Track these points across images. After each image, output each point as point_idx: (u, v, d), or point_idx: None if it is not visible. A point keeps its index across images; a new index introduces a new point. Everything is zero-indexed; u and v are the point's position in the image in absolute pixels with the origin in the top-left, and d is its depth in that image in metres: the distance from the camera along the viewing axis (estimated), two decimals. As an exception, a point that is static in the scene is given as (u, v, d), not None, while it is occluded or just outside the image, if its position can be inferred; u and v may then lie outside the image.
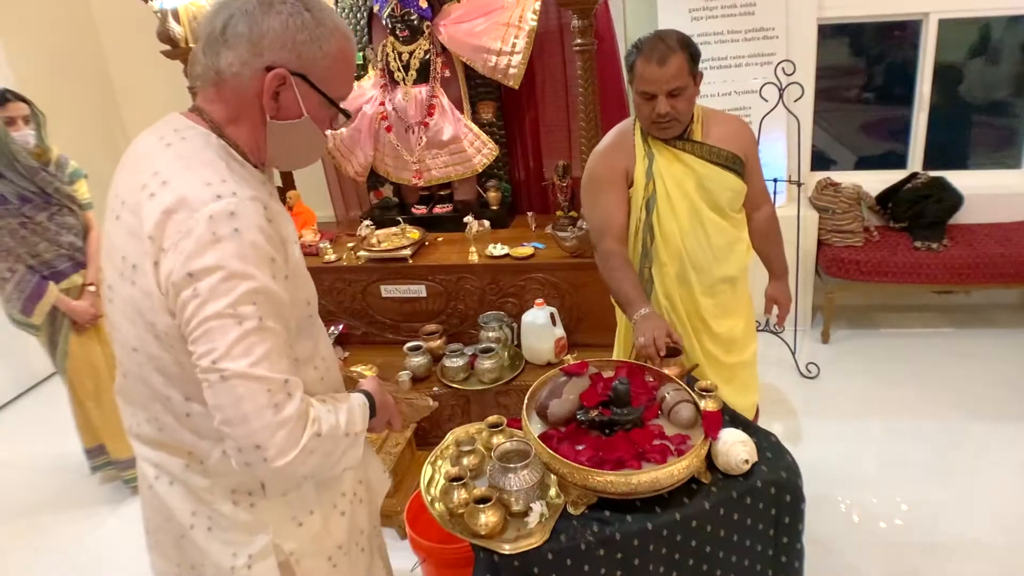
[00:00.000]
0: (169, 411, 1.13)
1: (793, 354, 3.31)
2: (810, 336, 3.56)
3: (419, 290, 3.08)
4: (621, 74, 3.03)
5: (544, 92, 3.27)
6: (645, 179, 1.89)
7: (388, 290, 3.12)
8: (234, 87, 1.08)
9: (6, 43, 3.76)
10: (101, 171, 2.47)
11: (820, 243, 3.46)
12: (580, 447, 1.49)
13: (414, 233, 3.18)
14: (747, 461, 1.43)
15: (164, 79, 3.49)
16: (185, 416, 1.11)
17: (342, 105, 1.16)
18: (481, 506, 1.39)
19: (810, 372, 3.22)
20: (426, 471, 1.60)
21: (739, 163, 1.89)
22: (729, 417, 1.65)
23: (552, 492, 1.48)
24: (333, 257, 3.16)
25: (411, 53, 3.17)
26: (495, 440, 1.60)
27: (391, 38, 3.18)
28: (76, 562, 2.65)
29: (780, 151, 3.42)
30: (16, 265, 2.62)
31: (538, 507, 1.42)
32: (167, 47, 3.00)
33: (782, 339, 3.41)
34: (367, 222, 3.26)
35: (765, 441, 1.55)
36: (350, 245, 3.23)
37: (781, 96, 3.09)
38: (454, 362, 2.78)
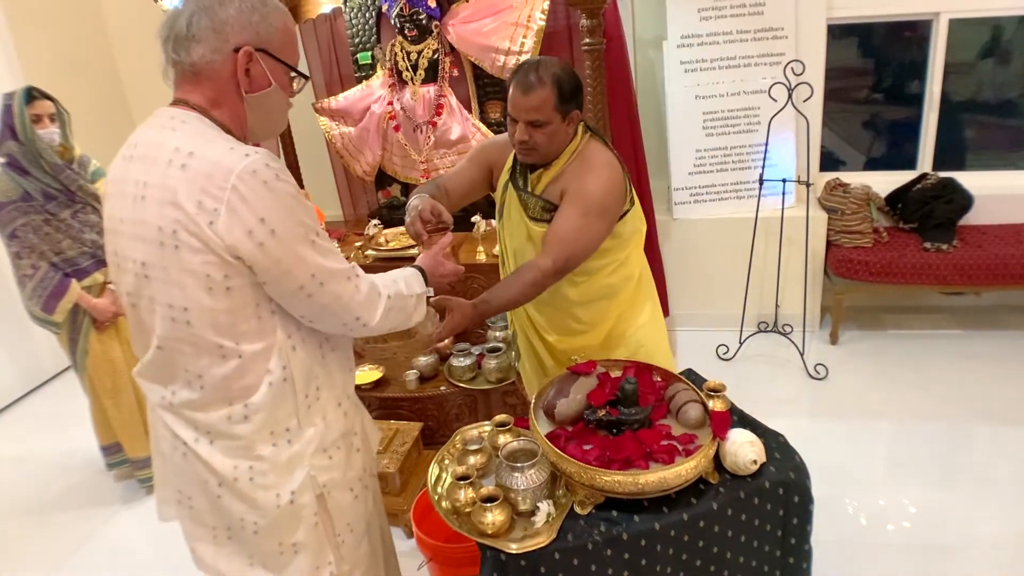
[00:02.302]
0: (219, 361, 1.23)
1: (801, 355, 3.30)
2: (819, 337, 3.54)
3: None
4: (629, 74, 3.03)
5: (552, 92, 3.27)
6: (501, 189, 1.94)
7: (396, 289, 3.13)
8: (210, 74, 1.22)
9: (17, 42, 3.78)
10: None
11: (829, 244, 3.45)
12: (587, 447, 1.50)
13: (422, 232, 3.17)
14: (755, 461, 1.43)
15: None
16: (238, 358, 1.23)
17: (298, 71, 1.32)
18: (488, 505, 1.39)
19: (818, 373, 3.21)
20: (433, 470, 1.61)
21: (551, 212, 1.78)
22: (738, 417, 1.65)
23: (559, 492, 1.48)
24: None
25: (419, 53, 3.18)
26: (502, 439, 1.60)
27: (399, 38, 3.19)
28: (87, 558, 2.66)
29: (789, 151, 3.41)
30: (39, 262, 2.64)
31: (545, 506, 1.42)
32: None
33: (791, 340, 3.41)
34: (375, 221, 3.27)
35: (774, 441, 1.55)
36: (358, 244, 3.24)
37: (790, 96, 3.08)
38: (461, 361, 2.78)
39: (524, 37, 2.98)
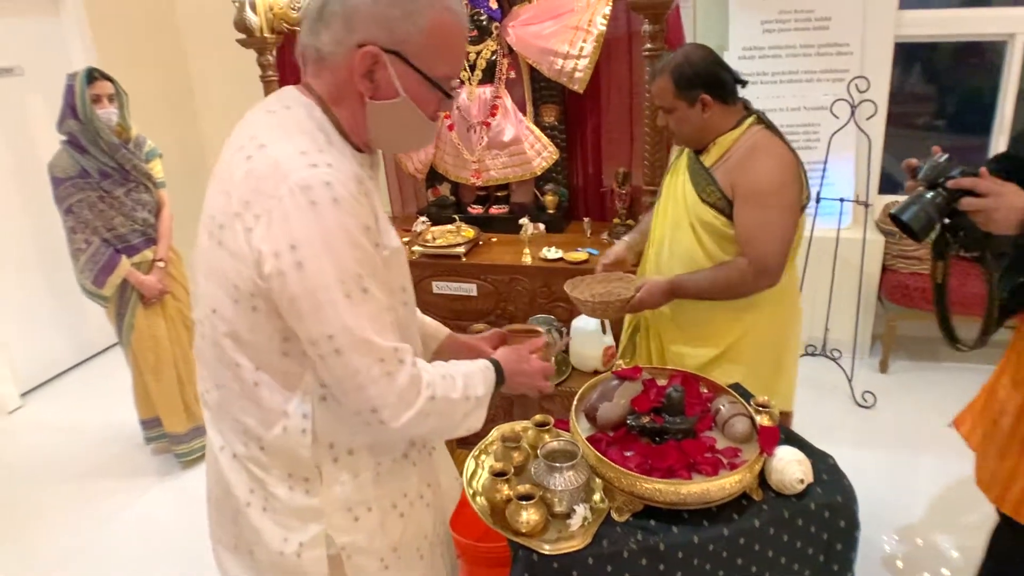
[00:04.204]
0: (237, 379, 1.11)
1: (849, 381, 3.20)
2: (868, 364, 3.44)
3: (470, 289, 3.08)
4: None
5: (609, 99, 3.25)
6: (664, 178, 2.00)
7: (439, 286, 3.13)
8: (332, 67, 1.06)
9: (92, 24, 3.92)
10: (170, 153, 2.56)
11: (885, 268, 3.35)
12: (629, 453, 1.47)
13: (469, 232, 3.18)
14: (802, 480, 1.38)
15: (239, 69, 3.60)
16: (253, 386, 1.10)
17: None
18: (524, 503, 1.37)
19: (866, 401, 3.11)
20: (469, 464, 1.59)
21: (722, 201, 1.81)
22: (785, 436, 1.60)
23: (597, 496, 1.45)
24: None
25: (478, 53, 3.19)
26: (541, 439, 1.58)
27: (459, 37, 3.20)
28: (120, 528, 2.72)
29: (848, 171, 3.32)
30: (92, 237, 2.73)
31: (581, 510, 1.39)
32: (242, 36, 3.08)
33: (839, 365, 3.31)
34: (423, 218, 3.28)
35: (822, 462, 1.50)
36: (405, 240, 3.26)
37: (853, 113, 3.00)
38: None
39: (584, 42, 2.96)
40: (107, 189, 2.73)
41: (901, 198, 3.40)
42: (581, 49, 2.97)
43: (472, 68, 3.21)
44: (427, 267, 3.12)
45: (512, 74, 3.20)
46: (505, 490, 1.45)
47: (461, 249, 3.07)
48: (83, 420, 3.49)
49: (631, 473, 1.34)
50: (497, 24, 3.12)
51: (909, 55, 3.51)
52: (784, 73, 3.26)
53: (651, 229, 2.04)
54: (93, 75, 2.65)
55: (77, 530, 2.74)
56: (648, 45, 2.53)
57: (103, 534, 2.70)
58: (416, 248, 3.13)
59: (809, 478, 1.40)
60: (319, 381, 1.09)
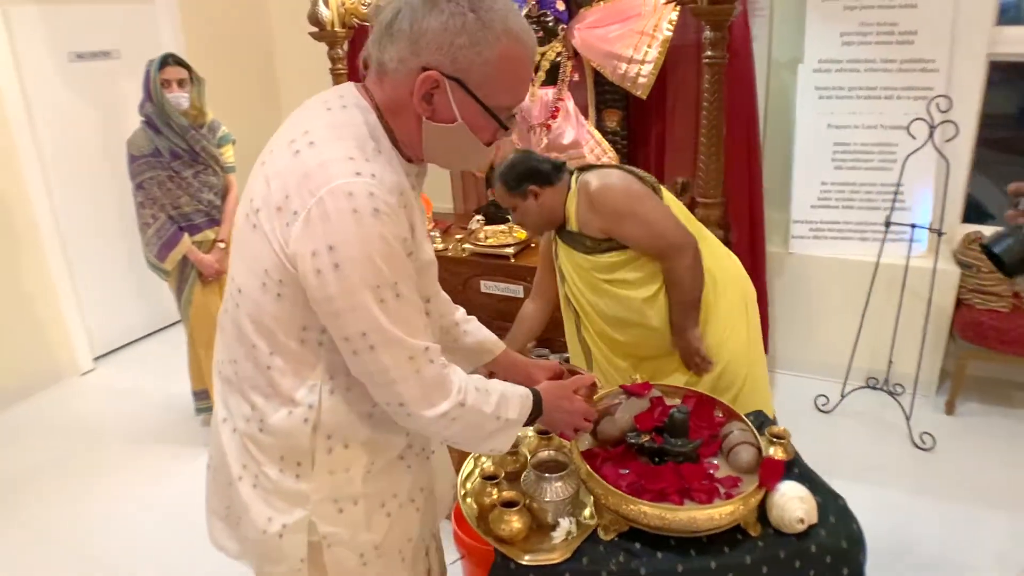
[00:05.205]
0: (251, 359, 1.14)
1: (907, 419, 3.00)
2: (931, 404, 3.20)
3: (516, 290, 3.07)
4: (754, 96, 2.88)
5: (674, 107, 3.17)
6: (557, 258, 2.17)
7: (487, 286, 3.14)
8: (393, 82, 1.07)
9: (183, 10, 4.13)
10: (249, 139, 2.67)
11: (959, 302, 3.11)
12: (624, 471, 1.42)
13: (521, 233, 3.17)
14: (803, 520, 1.30)
15: (321, 61, 3.69)
16: (266, 368, 1.13)
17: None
18: (507, 509, 1.35)
19: (924, 443, 2.90)
20: (467, 464, 1.59)
21: (606, 242, 1.98)
22: (799, 471, 1.51)
23: (587, 512, 1.42)
24: (440, 246, 3.22)
25: (543, 55, 3.17)
26: (541, 447, 1.56)
27: (525, 38, 3.20)
28: (164, 492, 2.86)
29: (925, 196, 3.11)
30: (159, 213, 2.89)
31: (566, 523, 1.36)
32: (315, 29, 3.18)
33: (897, 401, 3.11)
34: (478, 217, 3.30)
35: (832, 503, 1.41)
36: (458, 236, 3.28)
37: (932, 134, 2.80)
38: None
39: (648, 47, 2.90)
40: (176, 169, 2.88)
41: (985, 228, 3.18)
42: (646, 54, 2.91)
43: (536, 69, 3.20)
44: (476, 265, 3.13)
45: (576, 77, 3.17)
46: (494, 494, 1.44)
47: (510, 250, 3.06)
48: (147, 387, 3.69)
49: (617, 492, 1.30)
50: (564, 26, 3.10)
51: (1013, 74, 3.26)
52: (861, 88, 3.08)
53: (573, 311, 2.20)
54: (167, 61, 2.80)
55: (129, 488, 2.90)
56: (709, 52, 2.46)
57: (150, 495, 2.85)
58: (467, 246, 3.15)
59: (812, 519, 1.32)
60: (329, 374, 1.12)
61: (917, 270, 2.98)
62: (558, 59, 3.14)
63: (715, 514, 1.26)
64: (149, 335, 4.30)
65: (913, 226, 2.93)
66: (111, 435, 3.31)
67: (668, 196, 2.07)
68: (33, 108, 3.53)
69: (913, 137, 2.85)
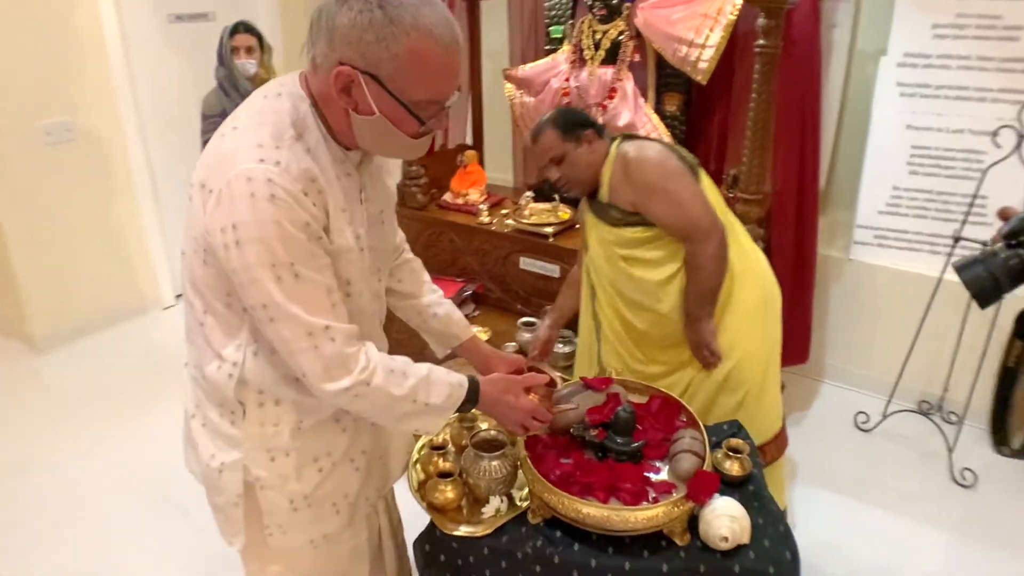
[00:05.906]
0: (192, 314, 1.24)
1: (949, 451, 2.77)
2: (981, 436, 2.94)
3: (553, 269, 3.07)
4: (817, 89, 2.72)
5: (740, 95, 3.02)
6: (582, 228, 2.15)
7: (526, 263, 3.16)
8: (321, 75, 1.11)
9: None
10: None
11: (1032, 329, 2.83)
12: (565, 460, 1.43)
13: (565, 214, 3.16)
14: (726, 539, 1.26)
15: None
16: (199, 325, 1.22)
17: (447, 102, 1.13)
18: (442, 480, 1.40)
19: (964, 480, 2.68)
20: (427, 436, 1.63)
21: (633, 216, 1.94)
22: (754, 488, 1.45)
23: (523, 493, 1.43)
24: (486, 220, 3.26)
25: (604, 33, 3.11)
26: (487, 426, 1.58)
27: (589, 16, 3.14)
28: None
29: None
30: None
31: (496, 501, 1.39)
32: None
33: (939, 428, 2.87)
34: (529, 194, 3.31)
35: (771, 527, 1.35)
36: (504, 211, 3.31)
37: (1020, 144, 2.54)
38: (560, 348, 2.74)
39: (711, 31, 2.77)
40: None
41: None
42: (707, 38, 2.79)
43: (597, 47, 3.14)
44: (517, 241, 3.15)
45: (637, 57, 3.08)
46: (440, 464, 1.49)
47: (550, 229, 3.06)
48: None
49: (542, 480, 1.32)
50: (628, 4, 3.02)
51: None
52: (951, 88, 2.81)
53: (590, 283, 2.17)
54: (237, 28, 2.95)
55: (164, 419, 3.10)
56: (761, 41, 2.33)
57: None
58: (509, 222, 3.17)
59: (740, 539, 1.28)
60: (254, 337, 1.19)
61: (986, 290, 2.73)
62: (620, 38, 3.07)
63: (631, 517, 1.25)
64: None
65: (985, 244, 2.67)
66: (179, 368, 3.59)
67: (706, 180, 2.01)
68: (134, 63, 3.80)
69: (998, 146, 2.59)
